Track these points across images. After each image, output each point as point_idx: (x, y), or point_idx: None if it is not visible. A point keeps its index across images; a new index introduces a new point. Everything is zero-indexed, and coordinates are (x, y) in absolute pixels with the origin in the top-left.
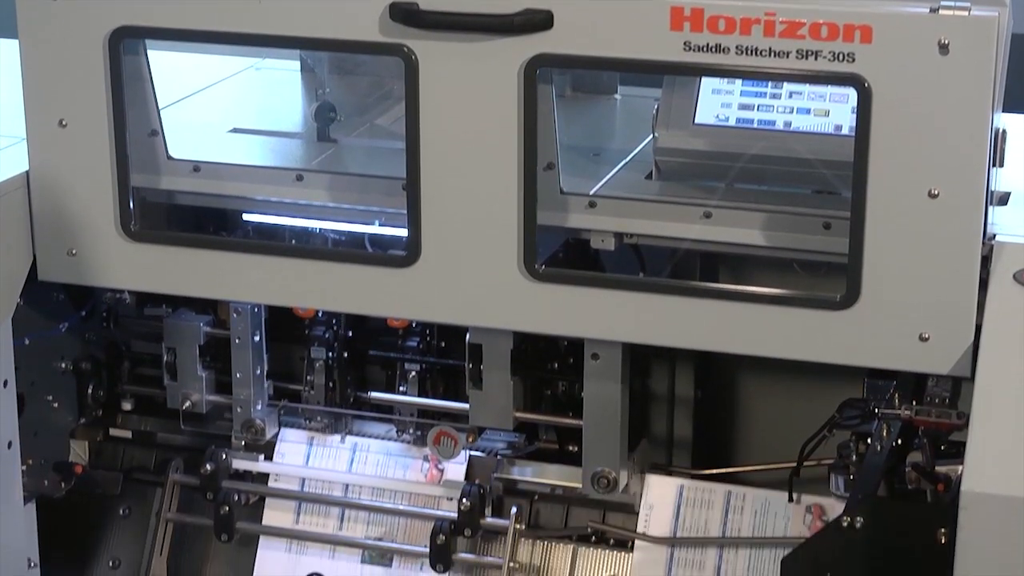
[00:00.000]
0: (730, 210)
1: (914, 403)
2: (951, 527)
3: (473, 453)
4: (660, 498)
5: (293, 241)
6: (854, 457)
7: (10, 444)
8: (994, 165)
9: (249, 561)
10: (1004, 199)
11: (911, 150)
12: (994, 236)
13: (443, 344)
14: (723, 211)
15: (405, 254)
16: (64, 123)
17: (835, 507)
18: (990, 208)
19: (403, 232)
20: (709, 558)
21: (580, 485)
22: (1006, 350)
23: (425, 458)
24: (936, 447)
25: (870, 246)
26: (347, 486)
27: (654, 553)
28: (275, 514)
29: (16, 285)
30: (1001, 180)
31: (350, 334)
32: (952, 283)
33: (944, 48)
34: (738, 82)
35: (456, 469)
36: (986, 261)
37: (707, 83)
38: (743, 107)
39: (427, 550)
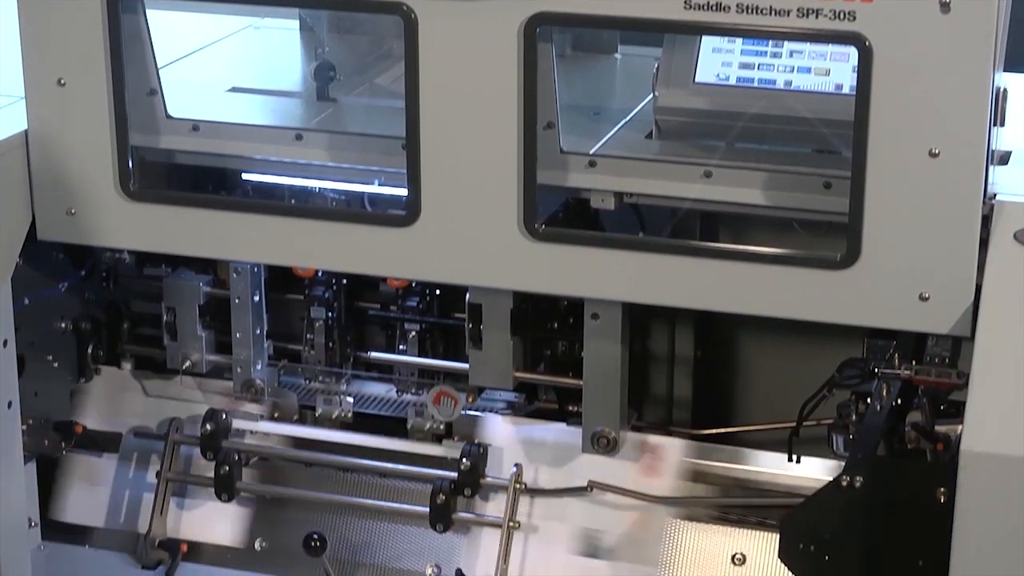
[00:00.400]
0: (730, 169)
1: (914, 363)
2: (950, 486)
3: (472, 413)
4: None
5: (292, 200)
6: (854, 417)
7: (10, 404)
8: (995, 124)
9: (248, 520)
10: (1005, 158)
11: (912, 109)
12: (995, 195)
13: (443, 304)
14: (723, 170)
15: (405, 213)
16: (63, 82)
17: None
18: (991, 167)
19: (403, 191)
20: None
21: (580, 445)
22: (1006, 309)
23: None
24: (936, 406)
25: (870, 205)
26: (347, 446)
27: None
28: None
29: (15, 245)
30: (1002, 139)
31: (350, 294)
32: (952, 242)
33: (945, 7)
34: (739, 41)
35: None
36: (986, 220)
37: (707, 42)
38: (744, 66)
39: (426, 509)
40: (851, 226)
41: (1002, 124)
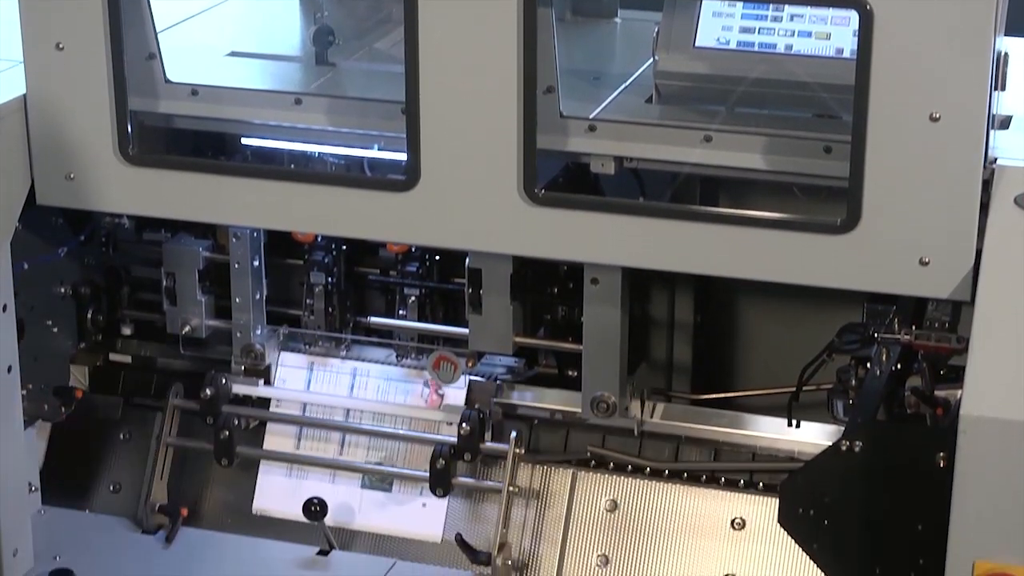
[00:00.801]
0: (730, 134)
1: (914, 327)
2: (950, 451)
3: (473, 378)
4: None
5: (292, 165)
6: (853, 382)
7: (10, 368)
8: (996, 89)
9: (249, 485)
10: (1006, 123)
11: (913, 73)
12: (995, 160)
13: (442, 269)
14: (723, 135)
15: (404, 178)
16: (61, 46)
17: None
18: (991, 132)
19: (402, 156)
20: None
21: (580, 409)
22: (1006, 274)
23: (425, 383)
24: (935, 371)
25: (871, 170)
26: (347, 411)
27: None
28: (275, 439)
29: (14, 209)
30: (1003, 104)
31: (349, 259)
32: (953, 207)
33: None
34: (739, 4)
35: (456, 394)
36: (987, 185)
37: (708, 6)
38: (744, 30)
39: (427, 474)
40: (851, 190)
41: (1003, 88)
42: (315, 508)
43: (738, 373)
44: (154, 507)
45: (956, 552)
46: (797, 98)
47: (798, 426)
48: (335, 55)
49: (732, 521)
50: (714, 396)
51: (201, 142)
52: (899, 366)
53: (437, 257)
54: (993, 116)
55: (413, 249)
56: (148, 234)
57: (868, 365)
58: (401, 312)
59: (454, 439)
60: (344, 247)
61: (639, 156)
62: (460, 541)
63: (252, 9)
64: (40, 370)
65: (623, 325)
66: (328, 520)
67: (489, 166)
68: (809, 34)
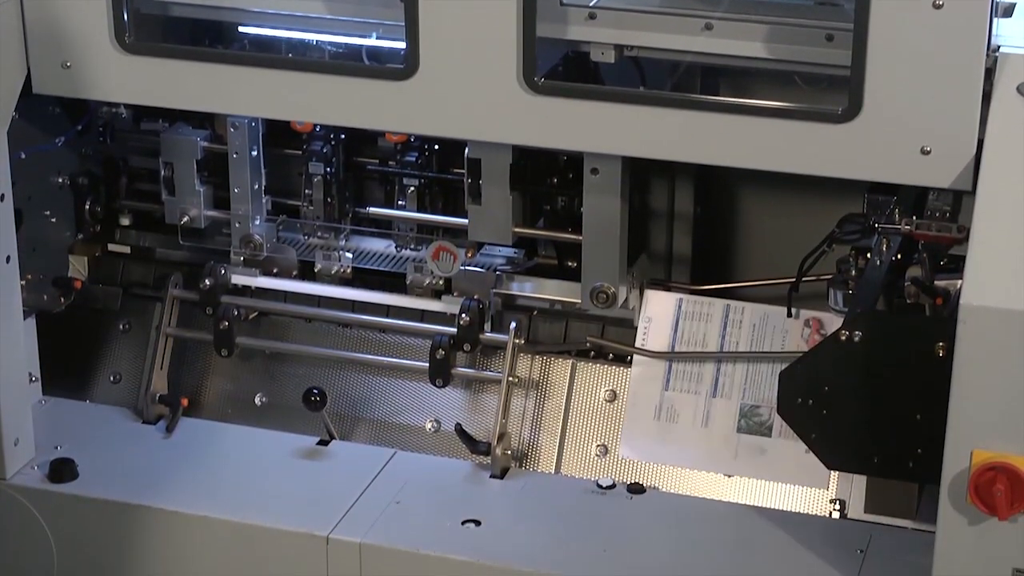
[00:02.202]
0: (732, 22)
1: (914, 217)
2: (949, 341)
3: (471, 268)
4: (659, 312)
5: (290, 54)
6: (853, 272)
7: (8, 259)
8: None
9: (248, 375)
10: (1009, 10)
11: None
12: (998, 48)
13: (442, 159)
14: (724, 23)
15: (403, 67)
16: None
17: (834, 321)
18: (995, 19)
19: (401, 44)
20: (707, 371)
21: (579, 300)
22: (1008, 163)
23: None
24: (935, 261)
25: (872, 58)
26: (346, 302)
27: (652, 367)
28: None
29: (10, 98)
30: None
31: (348, 149)
32: (955, 95)
33: None
34: None
35: None
36: (989, 73)
37: None
38: None
39: (426, 364)
40: (853, 79)
41: None
42: (315, 398)
43: (738, 264)
44: (154, 397)
45: (954, 441)
46: None
47: (798, 316)
48: None
49: None
50: (713, 287)
51: (198, 31)
52: (899, 256)
53: (436, 147)
54: (996, 3)
55: (412, 139)
56: (146, 124)
57: (868, 255)
58: (400, 202)
59: (453, 330)
60: (343, 137)
61: (639, 44)
62: (460, 431)
63: None
64: (39, 260)
65: (623, 215)
66: (328, 410)
67: (488, 55)
68: None
